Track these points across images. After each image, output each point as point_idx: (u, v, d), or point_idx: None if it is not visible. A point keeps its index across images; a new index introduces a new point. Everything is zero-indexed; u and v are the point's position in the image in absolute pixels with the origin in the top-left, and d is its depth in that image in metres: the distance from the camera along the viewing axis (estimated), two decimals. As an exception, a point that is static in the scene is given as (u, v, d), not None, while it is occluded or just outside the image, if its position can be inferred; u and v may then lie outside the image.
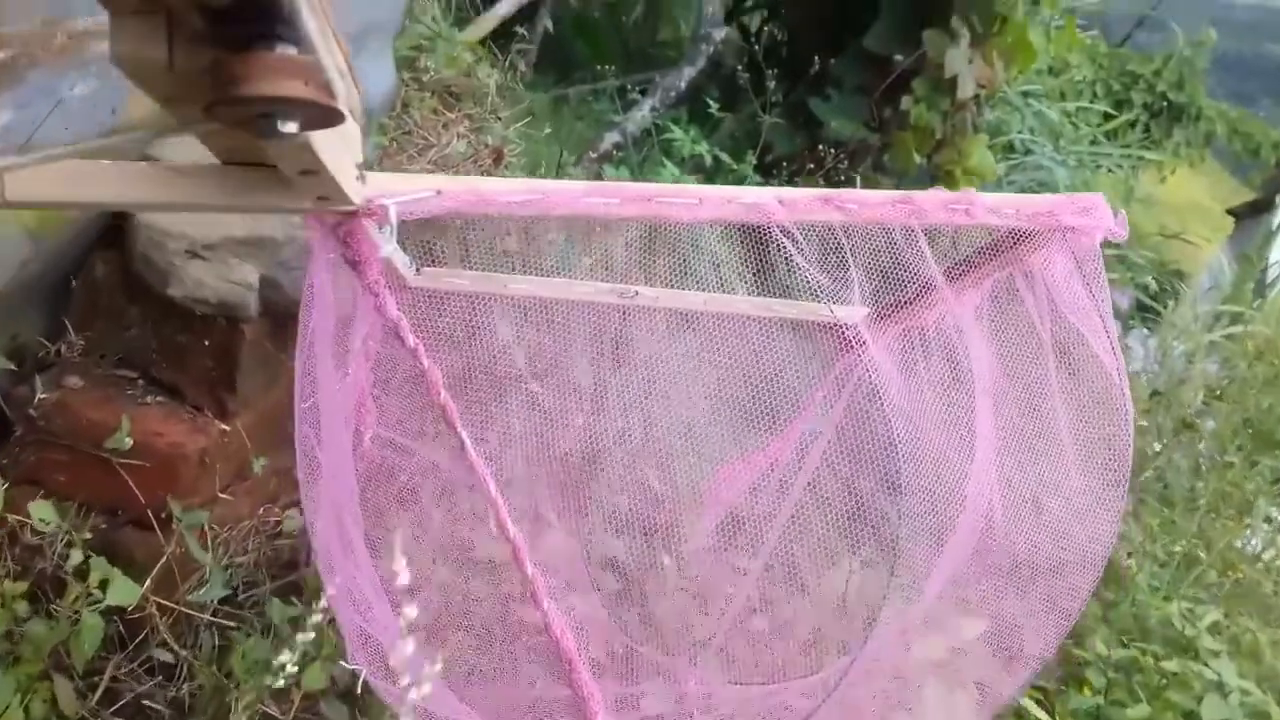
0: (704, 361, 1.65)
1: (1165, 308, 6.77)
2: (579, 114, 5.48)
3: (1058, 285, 1.42)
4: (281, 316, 2.11)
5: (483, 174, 3.23)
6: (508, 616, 1.53)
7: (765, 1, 5.95)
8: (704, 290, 1.56)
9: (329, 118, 0.64)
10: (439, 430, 1.39)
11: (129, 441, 1.96)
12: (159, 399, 2.06)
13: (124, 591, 1.82)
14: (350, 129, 0.82)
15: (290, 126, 0.63)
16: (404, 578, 1.09)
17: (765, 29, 5.61)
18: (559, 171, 3.51)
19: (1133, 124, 9.17)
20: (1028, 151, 7.26)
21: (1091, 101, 8.95)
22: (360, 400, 1.32)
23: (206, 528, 2.06)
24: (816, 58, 5.13)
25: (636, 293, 1.49)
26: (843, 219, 1.20)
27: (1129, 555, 3.35)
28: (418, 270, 1.30)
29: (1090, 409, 1.50)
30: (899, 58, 5.07)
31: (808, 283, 1.23)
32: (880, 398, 1.47)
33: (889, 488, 1.53)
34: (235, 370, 2.06)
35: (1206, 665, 2.80)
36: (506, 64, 3.99)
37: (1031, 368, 1.48)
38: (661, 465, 1.76)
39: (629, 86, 5.42)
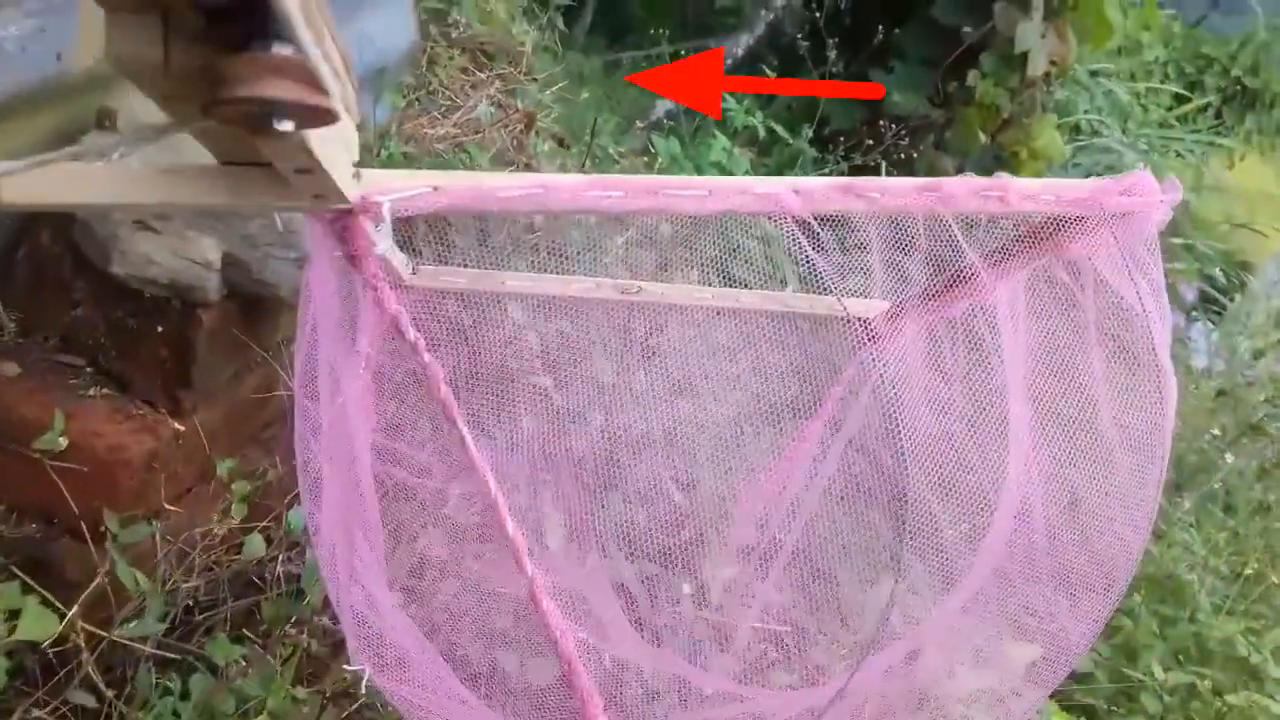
0: (714, 359, 1.60)
1: (1231, 300, 6.56)
2: (631, 80, 5.11)
3: (1103, 275, 1.31)
4: (249, 300, 1.74)
5: (512, 140, 2.85)
6: (506, 616, 1.46)
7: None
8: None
9: (324, 117, 0.63)
10: (439, 430, 1.34)
11: (63, 442, 1.61)
12: (105, 392, 1.71)
13: (37, 624, 1.47)
14: (346, 128, 0.80)
15: (286, 125, 0.61)
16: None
17: (827, -2, 5.18)
18: (593, 138, 3.10)
19: (1204, 109, 8.57)
20: (1095, 133, 6.83)
21: (1162, 83, 8.35)
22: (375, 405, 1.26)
23: (159, 539, 1.71)
24: (880, 27, 4.74)
25: (640, 288, 1.43)
26: (864, 208, 1.11)
27: (1190, 569, 3.03)
28: (414, 269, 1.25)
29: (1134, 403, 1.38)
30: (968, 30, 4.72)
31: (823, 276, 1.13)
32: (893, 397, 1.40)
33: (899, 494, 1.47)
34: (191, 361, 1.70)
35: (1274, 699, 2.56)
36: (546, 21, 3.59)
37: (1074, 361, 1.39)
38: (683, 476, 1.70)
39: (684, 52, 5.05)
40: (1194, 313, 6.81)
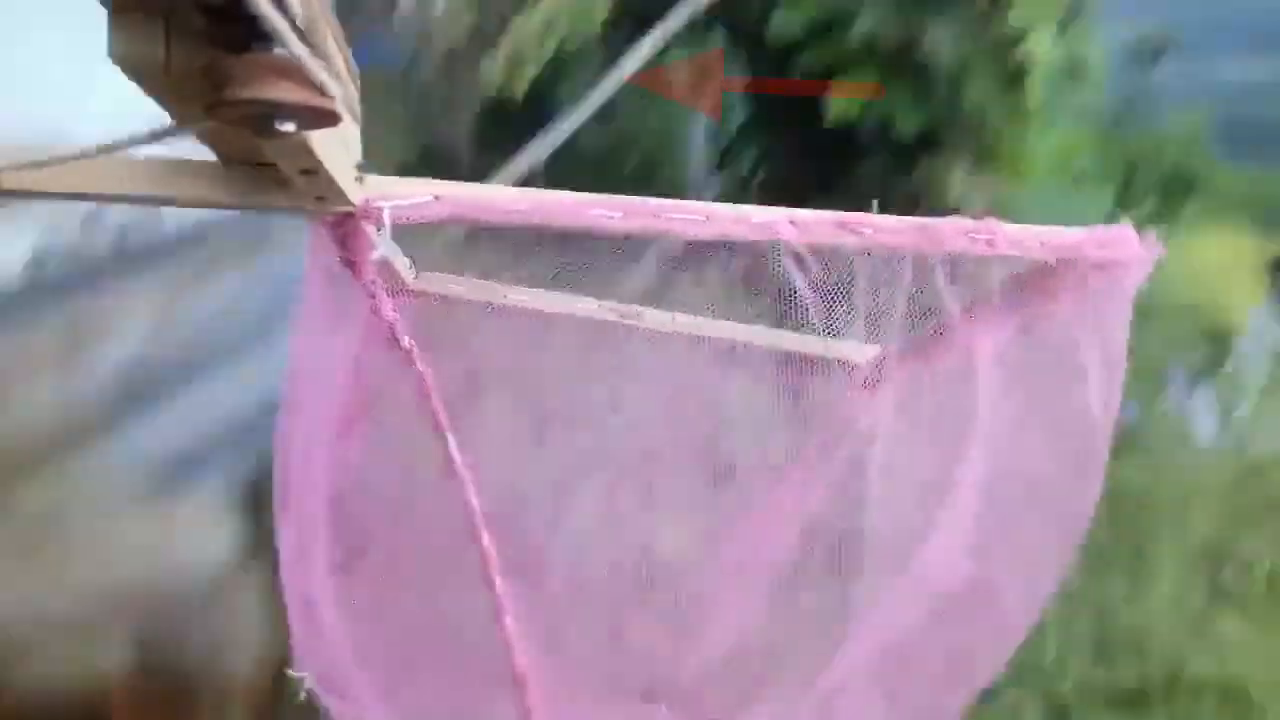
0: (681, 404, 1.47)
1: (1221, 368, 6.86)
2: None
3: (1072, 331, 1.29)
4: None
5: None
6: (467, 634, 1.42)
7: (752, 143, 5.57)
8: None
9: (326, 119, 0.61)
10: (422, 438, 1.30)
11: None
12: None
13: None
14: (349, 130, 0.80)
15: (288, 126, 0.60)
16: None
17: (758, 170, 5.25)
18: None
19: (1142, 200, 8.57)
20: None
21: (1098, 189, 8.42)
22: (350, 413, 1.25)
23: None
24: (810, 198, 4.84)
25: (641, 313, 1.39)
26: (857, 243, 1.10)
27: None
28: (416, 275, 1.23)
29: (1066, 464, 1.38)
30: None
31: (813, 313, 1.12)
32: (876, 447, 1.35)
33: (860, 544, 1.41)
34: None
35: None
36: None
37: (1042, 415, 1.37)
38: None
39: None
40: (1192, 384, 6.81)
